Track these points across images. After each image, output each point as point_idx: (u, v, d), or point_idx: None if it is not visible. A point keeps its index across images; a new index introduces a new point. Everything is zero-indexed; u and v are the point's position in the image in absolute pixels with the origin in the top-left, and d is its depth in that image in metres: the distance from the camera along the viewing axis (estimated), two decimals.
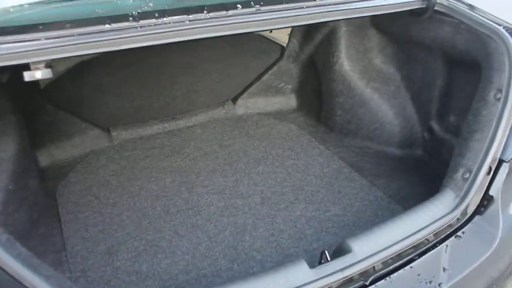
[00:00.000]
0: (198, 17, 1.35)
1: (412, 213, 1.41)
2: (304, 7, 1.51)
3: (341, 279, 1.19)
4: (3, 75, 1.82)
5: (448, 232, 1.40)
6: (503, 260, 1.40)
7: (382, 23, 2.20)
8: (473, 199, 1.44)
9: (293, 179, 2.11)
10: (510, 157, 1.46)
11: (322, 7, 1.54)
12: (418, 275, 1.28)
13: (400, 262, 1.30)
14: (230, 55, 2.65)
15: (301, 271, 1.19)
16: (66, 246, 1.72)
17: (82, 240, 1.76)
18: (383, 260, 1.26)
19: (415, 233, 1.32)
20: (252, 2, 1.43)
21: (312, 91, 2.68)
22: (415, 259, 1.32)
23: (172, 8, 1.35)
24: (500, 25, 1.63)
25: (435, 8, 1.78)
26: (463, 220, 1.44)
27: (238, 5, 1.41)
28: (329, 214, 1.87)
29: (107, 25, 1.25)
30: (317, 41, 2.51)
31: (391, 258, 1.28)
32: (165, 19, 1.31)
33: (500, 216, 1.43)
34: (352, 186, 2.05)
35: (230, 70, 2.71)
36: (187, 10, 1.35)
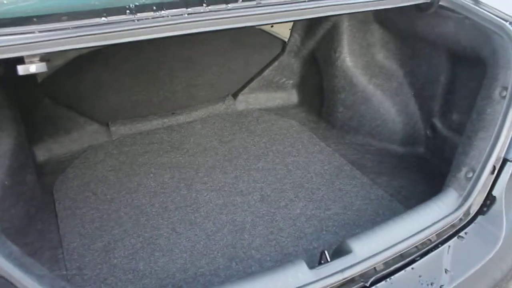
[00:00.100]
0: (197, 10, 1.32)
1: (414, 213, 1.39)
2: (306, 0, 1.48)
3: (341, 280, 1.17)
4: None
5: (451, 233, 1.38)
6: (506, 261, 1.38)
7: (386, 18, 2.16)
8: (476, 199, 1.42)
9: (293, 176, 2.09)
10: None
11: (325, 1, 1.51)
12: (420, 276, 1.26)
13: (401, 263, 1.27)
14: (231, 49, 2.62)
15: (300, 272, 1.17)
16: (62, 243, 1.70)
17: (79, 236, 1.74)
18: (384, 261, 1.24)
19: (417, 233, 1.30)
20: None
21: (313, 86, 2.64)
22: (417, 260, 1.29)
23: (170, 1, 1.32)
24: (506, 20, 1.59)
25: (440, 3, 1.75)
26: (466, 221, 1.41)
27: None
28: (329, 213, 1.85)
29: (103, 18, 1.23)
30: (319, 36, 2.47)
31: (392, 259, 1.26)
32: (163, 12, 1.28)
33: (504, 217, 1.41)
34: (353, 184, 2.03)
35: (231, 64, 2.68)
36: (185, 3, 1.32)
